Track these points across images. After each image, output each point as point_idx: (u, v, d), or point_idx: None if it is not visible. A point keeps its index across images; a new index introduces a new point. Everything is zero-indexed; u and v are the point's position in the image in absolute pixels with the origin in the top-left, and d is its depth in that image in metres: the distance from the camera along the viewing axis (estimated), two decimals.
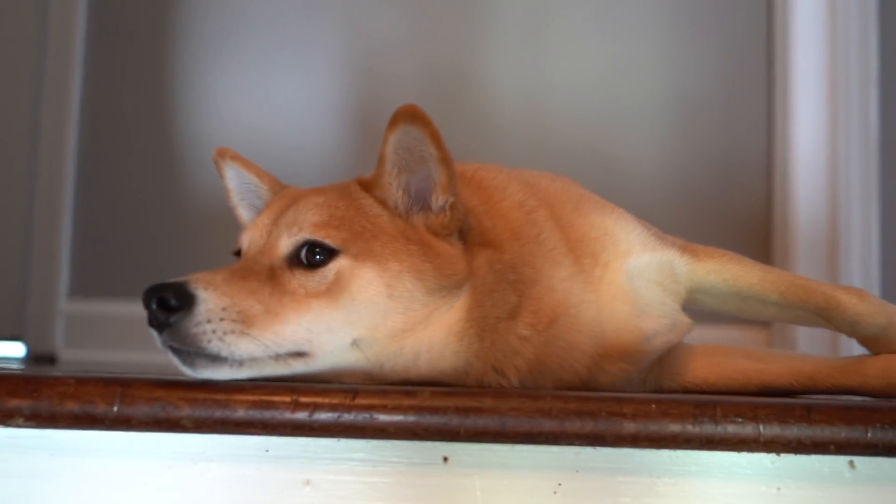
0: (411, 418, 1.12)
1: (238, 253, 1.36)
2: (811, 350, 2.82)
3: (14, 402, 1.11)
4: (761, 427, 1.12)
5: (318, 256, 1.23)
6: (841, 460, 1.16)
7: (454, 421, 1.12)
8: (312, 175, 3.06)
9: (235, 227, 3.21)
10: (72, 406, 1.12)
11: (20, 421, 1.12)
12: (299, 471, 1.16)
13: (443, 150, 1.25)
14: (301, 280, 1.22)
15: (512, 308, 1.30)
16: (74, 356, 3.18)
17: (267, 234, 1.29)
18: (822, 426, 1.13)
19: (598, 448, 1.15)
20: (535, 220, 1.39)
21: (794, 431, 1.13)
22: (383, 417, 1.12)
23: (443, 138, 1.26)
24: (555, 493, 1.15)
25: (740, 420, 1.12)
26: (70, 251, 3.26)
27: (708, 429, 1.12)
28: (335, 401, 1.12)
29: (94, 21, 3.35)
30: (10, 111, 3.25)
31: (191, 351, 1.14)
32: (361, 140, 3.27)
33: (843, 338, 2.73)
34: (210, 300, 1.14)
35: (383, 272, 1.23)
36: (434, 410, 1.12)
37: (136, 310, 3.21)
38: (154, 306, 1.14)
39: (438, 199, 1.28)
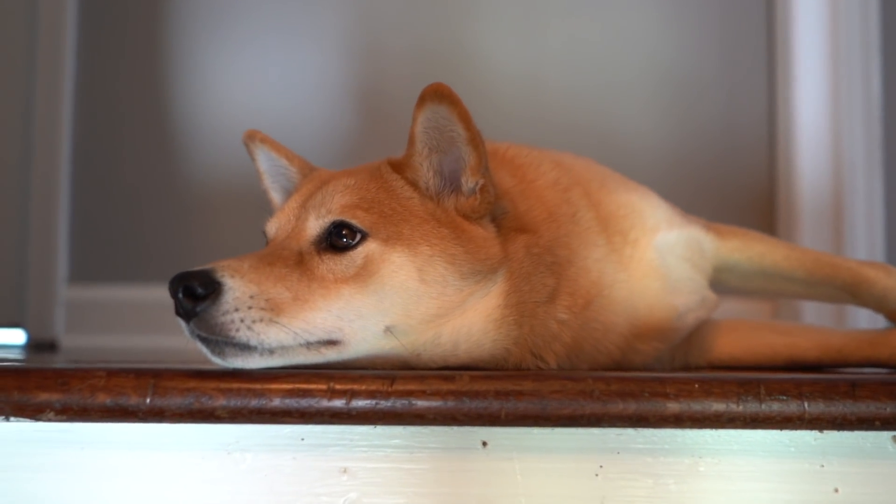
0: (451, 403, 1.10)
1: (266, 235, 1.32)
2: (816, 321, 2.81)
3: (44, 396, 1.09)
4: (806, 404, 1.11)
5: (345, 240, 1.20)
6: (884, 436, 1.14)
7: (494, 405, 1.10)
8: (311, 155, 3.01)
9: (235, 208, 3.18)
10: (103, 399, 1.09)
11: (50, 415, 1.09)
12: (336, 459, 1.14)
13: (472, 129, 1.22)
14: (329, 265, 1.19)
15: (550, 292, 1.28)
16: (75, 342, 3.14)
17: (295, 217, 1.26)
18: (868, 402, 1.11)
19: (640, 429, 1.13)
20: (571, 199, 1.37)
21: (838, 408, 1.11)
22: (422, 403, 1.10)
23: (472, 117, 1.23)
24: (596, 475, 1.14)
25: (784, 398, 1.11)
26: (68, 237, 3.22)
27: (752, 407, 1.11)
28: (373, 387, 1.10)
29: (87, 0, 3.29)
30: (2, 95, 3.20)
31: (219, 340, 1.11)
32: (361, 118, 3.23)
33: (850, 308, 2.74)
34: (237, 288, 1.11)
35: (414, 256, 1.20)
36: (474, 395, 1.10)
37: (137, 294, 3.20)
38: (180, 295, 1.11)
39: (468, 181, 1.25)
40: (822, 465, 1.14)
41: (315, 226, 1.22)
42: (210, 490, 1.13)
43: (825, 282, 1.51)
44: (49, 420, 1.10)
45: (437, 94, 1.20)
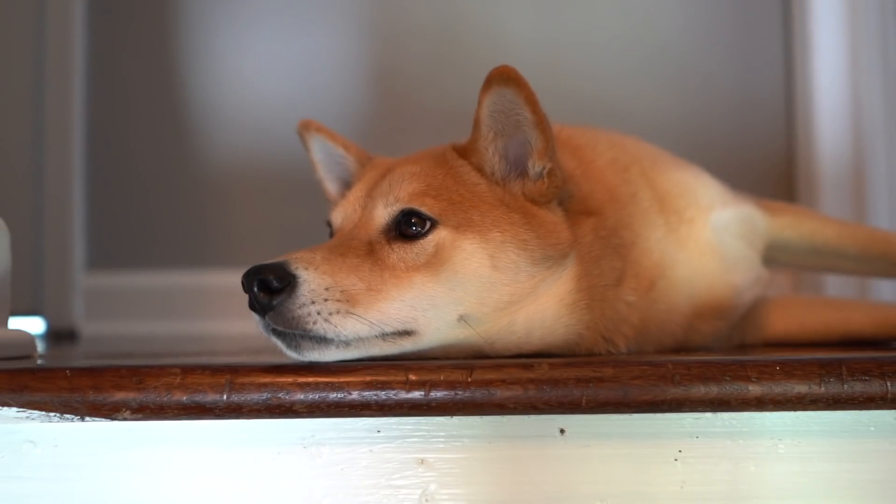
0: (531, 392, 1.09)
1: (330, 226, 1.30)
2: (838, 293, 2.81)
3: (120, 395, 1.07)
4: (889, 384, 1.10)
5: (415, 228, 1.18)
6: None
7: (575, 392, 1.09)
8: None
9: (251, 191, 3.16)
10: (180, 396, 1.08)
11: (126, 414, 1.08)
12: (413, 450, 1.12)
13: (539, 113, 1.20)
14: (400, 253, 1.17)
15: (618, 274, 1.27)
16: (95, 330, 3.12)
17: (361, 207, 1.24)
18: None
19: (718, 413, 1.12)
20: (630, 179, 1.36)
21: None
22: (502, 392, 1.09)
23: (539, 100, 1.21)
24: (675, 460, 1.13)
25: (867, 378, 1.10)
26: (84, 223, 3.19)
27: (834, 388, 1.10)
28: (452, 378, 1.09)
29: None
30: (13, 82, 3.15)
31: (296, 333, 1.10)
32: (376, 98, 3.20)
33: (874, 281, 2.73)
34: (312, 280, 1.10)
35: (485, 243, 1.18)
36: (554, 383, 1.09)
37: (156, 280, 3.17)
38: (256, 289, 1.09)
39: (535, 165, 1.24)
40: None
41: (383, 214, 1.21)
42: (287, 485, 1.12)
43: (879, 257, 1.50)
44: (124, 419, 1.08)
45: (504, 77, 1.18)
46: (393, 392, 1.09)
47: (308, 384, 1.08)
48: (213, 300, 3.14)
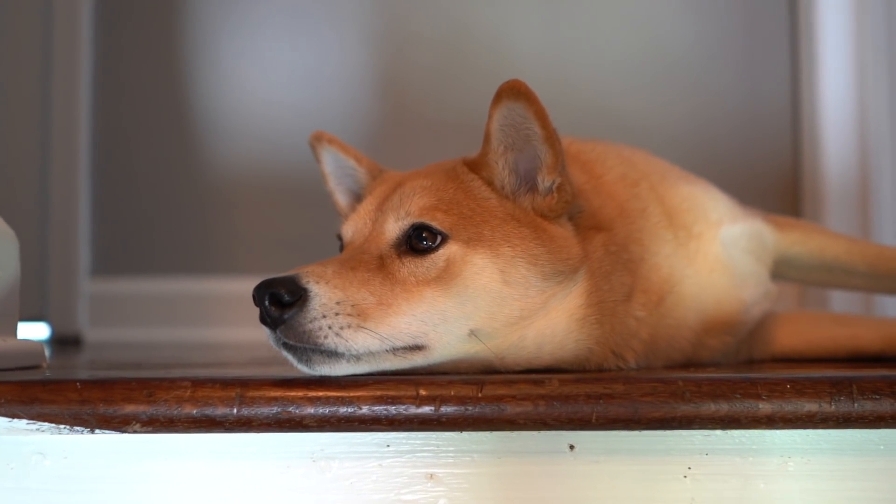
0: (541, 408, 1.09)
1: (341, 238, 1.31)
2: (843, 309, 2.81)
3: (130, 408, 1.07)
4: None
5: (426, 242, 1.19)
6: None
7: (585, 409, 1.09)
8: None
9: (255, 198, 3.16)
10: (190, 409, 1.08)
11: (136, 426, 1.08)
12: (422, 465, 1.12)
13: (548, 128, 1.20)
14: (410, 267, 1.17)
15: (628, 289, 1.27)
16: (100, 336, 3.12)
17: (371, 221, 1.25)
18: None
19: (728, 430, 1.12)
20: (639, 194, 1.36)
21: None
22: (512, 408, 1.09)
23: (549, 115, 1.21)
24: (685, 476, 1.13)
25: (877, 396, 1.10)
26: (90, 230, 3.19)
27: (844, 406, 1.10)
28: (462, 393, 1.09)
29: None
30: (20, 88, 3.16)
31: (307, 347, 1.10)
32: (382, 106, 3.20)
33: (879, 297, 2.72)
34: (323, 294, 1.10)
35: (496, 258, 1.18)
36: (564, 399, 1.09)
37: (160, 286, 3.18)
38: (267, 303, 1.09)
39: (545, 180, 1.24)
40: None
41: (394, 228, 1.21)
42: (296, 499, 1.12)
43: (888, 275, 1.50)
44: (135, 432, 1.08)
45: (514, 92, 1.18)
46: (403, 407, 1.09)
47: (318, 398, 1.08)
48: (218, 307, 3.15)
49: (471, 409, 1.09)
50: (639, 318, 1.28)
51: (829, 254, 1.51)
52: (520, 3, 3.18)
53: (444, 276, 1.17)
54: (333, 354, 1.10)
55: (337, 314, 1.10)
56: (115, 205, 3.22)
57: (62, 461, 1.11)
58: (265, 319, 1.10)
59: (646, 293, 1.29)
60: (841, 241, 1.53)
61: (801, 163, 3.10)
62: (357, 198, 1.42)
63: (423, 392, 1.09)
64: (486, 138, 1.24)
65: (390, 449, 1.12)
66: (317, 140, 1.42)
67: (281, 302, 1.09)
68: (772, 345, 1.56)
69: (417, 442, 1.13)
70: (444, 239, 1.19)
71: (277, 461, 1.12)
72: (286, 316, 1.09)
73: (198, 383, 1.08)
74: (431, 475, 1.12)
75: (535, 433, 1.12)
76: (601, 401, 1.09)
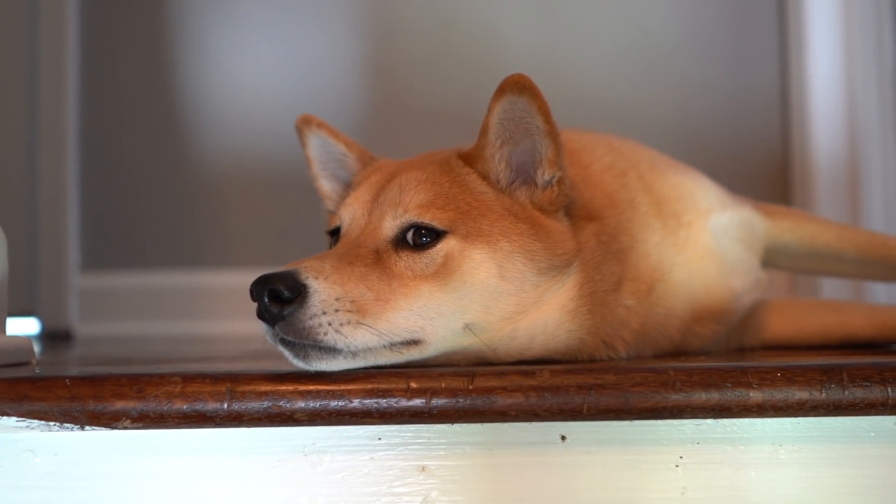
0: (532, 399, 1.09)
1: (333, 232, 1.30)
2: (833, 296, 2.81)
3: (120, 405, 1.07)
4: (889, 390, 1.10)
5: (424, 238, 1.18)
6: None
7: (576, 399, 1.09)
8: None
9: (244, 191, 3.15)
10: (180, 405, 1.07)
11: (126, 423, 1.07)
12: (414, 458, 1.12)
13: (551, 123, 1.20)
14: (408, 262, 1.17)
15: (617, 279, 1.27)
16: (90, 330, 3.11)
17: (367, 212, 1.24)
18: None
19: (719, 419, 1.12)
20: (627, 184, 1.35)
21: None
22: (503, 400, 1.09)
23: (551, 110, 1.20)
24: (677, 466, 1.13)
25: (867, 384, 1.10)
26: (79, 224, 3.18)
27: (835, 394, 1.10)
28: (453, 386, 1.09)
29: None
30: (6, 83, 3.14)
31: (305, 343, 1.09)
32: (372, 95, 3.19)
33: (869, 284, 2.73)
34: (323, 290, 1.09)
35: (494, 253, 1.18)
36: (555, 390, 1.09)
37: (150, 280, 3.17)
38: (266, 300, 1.08)
39: (545, 174, 1.23)
40: None
41: (392, 226, 1.20)
42: (288, 493, 1.12)
43: (877, 261, 1.50)
44: (125, 428, 1.08)
45: (519, 86, 1.17)
46: (394, 400, 1.08)
47: (309, 392, 1.08)
48: (207, 300, 3.14)
49: (462, 402, 1.09)
50: (629, 308, 1.28)
51: (820, 241, 1.52)
52: None
53: (442, 271, 1.16)
54: (332, 350, 1.09)
55: (336, 310, 1.09)
56: (105, 199, 3.20)
57: (52, 458, 1.10)
58: (263, 316, 1.10)
59: (635, 282, 1.29)
60: (831, 228, 1.53)
61: (790, 150, 3.10)
62: (343, 184, 1.41)
63: (413, 385, 1.09)
64: (484, 131, 1.23)
65: (382, 442, 1.12)
66: (305, 123, 1.41)
67: (280, 298, 1.08)
68: (762, 332, 1.56)
69: (409, 435, 1.12)
70: (442, 234, 1.18)
71: (269, 455, 1.12)
72: (286, 312, 1.08)
73: (188, 378, 1.08)
74: (423, 468, 1.12)
75: (526, 424, 1.12)
76: (592, 391, 1.09)
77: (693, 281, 1.38)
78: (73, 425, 1.07)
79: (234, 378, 1.08)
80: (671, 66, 3.16)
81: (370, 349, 1.11)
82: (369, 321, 1.10)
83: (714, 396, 1.09)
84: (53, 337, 3.03)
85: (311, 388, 1.08)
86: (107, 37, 3.22)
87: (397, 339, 1.13)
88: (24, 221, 3.11)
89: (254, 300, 1.09)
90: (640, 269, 1.30)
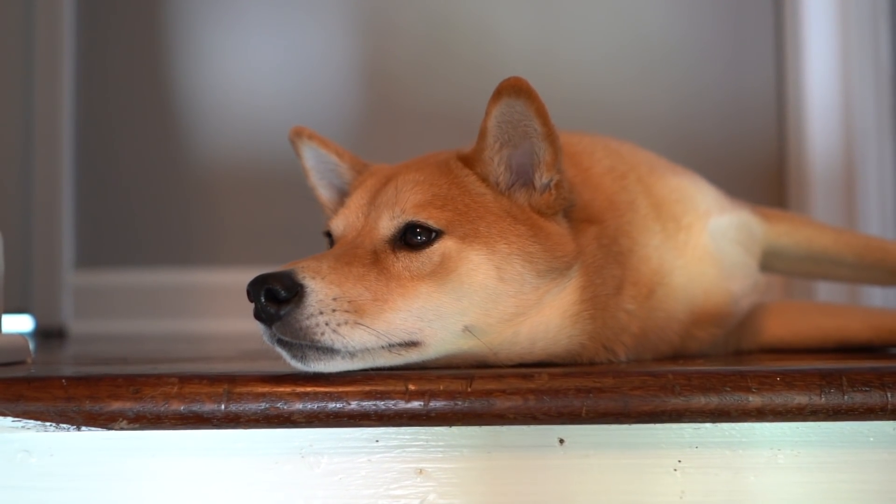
0: (531, 402, 1.08)
1: (328, 234, 1.29)
2: (828, 299, 2.82)
3: (116, 405, 1.06)
4: (889, 395, 1.10)
5: (420, 237, 1.17)
6: None
7: (575, 403, 1.09)
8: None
9: (238, 189, 3.14)
10: (177, 406, 1.07)
11: (123, 423, 1.07)
12: (412, 460, 1.12)
13: (549, 125, 1.19)
14: (405, 262, 1.16)
15: (618, 282, 1.26)
16: (84, 328, 3.10)
17: (364, 215, 1.23)
18: None
19: (718, 423, 1.12)
20: (627, 186, 1.35)
21: None
22: (502, 403, 1.08)
23: (549, 113, 1.20)
24: (675, 470, 1.13)
25: (867, 388, 1.10)
26: (73, 222, 3.17)
27: (834, 399, 1.10)
28: (451, 388, 1.08)
29: None
30: (1, 80, 3.12)
31: (302, 344, 1.09)
32: (367, 97, 3.19)
33: (865, 287, 2.73)
34: (320, 290, 1.09)
35: (492, 254, 1.17)
36: (554, 393, 1.09)
37: (144, 278, 3.16)
38: (263, 299, 1.08)
39: (543, 177, 1.23)
40: None
41: (389, 225, 1.19)
42: (285, 495, 1.11)
43: (875, 266, 1.50)
44: (121, 429, 1.07)
45: (515, 89, 1.17)
46: (392, 402, 1.08)
47: (307, 394, 1.08)
48: (202, 298, 3.13)
49: (460, 404, 1.08)
50: (629, 312, 1.28)
51: (817, 245, 1.52)
52: None
53: (440, 272, 1.16)
54: (329, 351, 1.09)
55: (334, 310, 1.08)
56: (99, 196, 3.19)
57: (48, 459, 1.09)
58: (260, 315, 1.09)
59: (636, 286, 1.29)
60: (828, 232, 1.53)
61: (786, 153, 3.10)
62: (340, 192, 1.41)
63: (412, 387, 1.08)
64: (482, 134, 1.23)
65: (379, 444, 1.12)
66: (297, 136, 1.41)
67: (277, 298, 1.08)
68: (760, 336, 1.56)
69: (406, 437, 1.12)
70: (439, 234, 1.18)
71: (266, 457, 1.11)
72: (282, 312, 1.08)
73: (185, 379, 1.08)
74: (421, 470, 1.12)
75: (524, 427, 1.12)
76: (591, 395, 1.09)
77: (692, 284, 1.37)
78: (69, 426, 1.07)
79: (232, 379, 1.08)
80: (668, 68, 3.16)
81: (368, 350, 1.11)
82: (367, 321, 1.10)
83: (713, 400, 1.09)
84: (47, 334, 3.02)
85: (308, 389, 1.08)
86: (102, 35, 3.21)
87: (395, 339, 1.12)
88: (19, 218, 3.10)
89: (251, 300, 1.09)
90: (640, 273, 1.30)
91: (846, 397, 1.10)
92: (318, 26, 3.20)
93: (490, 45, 3.16)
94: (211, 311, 3.11)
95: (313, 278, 1.09)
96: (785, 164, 3.11)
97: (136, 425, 1.07)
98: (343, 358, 1.09)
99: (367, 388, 1.08)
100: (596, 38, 3.16)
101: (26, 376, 1.08)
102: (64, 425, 1.07)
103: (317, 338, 1.07)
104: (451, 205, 1.19)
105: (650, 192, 1.40)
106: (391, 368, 1.14)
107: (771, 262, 1.54)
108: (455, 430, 1.12)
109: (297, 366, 1.10)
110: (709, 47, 3.15)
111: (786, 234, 1.51)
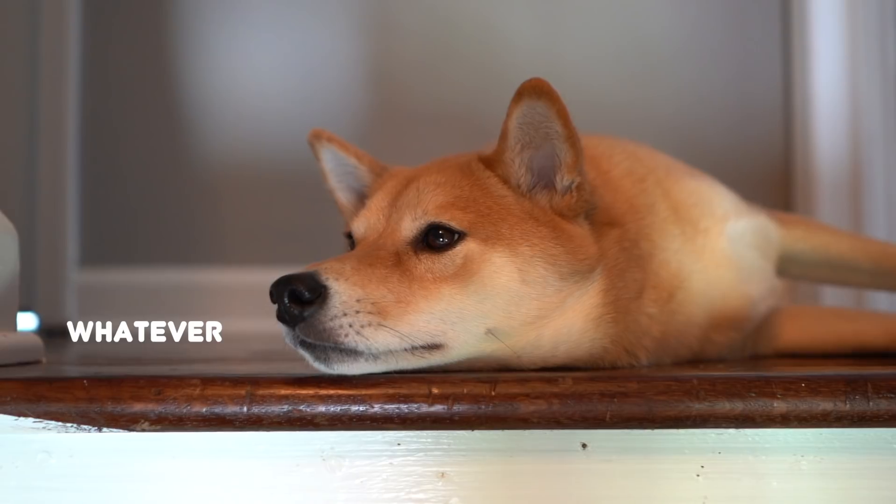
0: (555, 407, 1.08)
1: (349, 236, 1.29)
2: (834, 303, 2.81)
3: (139, 407, 1.05)
4: None
5: (442, 239, 1.17)
6: None
7: (599, 407, 1.08)
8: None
9: (244, 188, 3.13)
10: (200, 407, 1.06)
11: (145, 425, 1.06)
12: (433, 464, 1.11)
13: (570, 127, 1.19)
14: (427, 264, 1.16)
15: (639, 286, 1.26)
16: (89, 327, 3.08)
17: (385, 217, 1.23)
18: None
19: (741, 429, 1.12)
20: (647, 189, 1.35)
21: None
22: (525, 407, 1.08)
23: (570, 114, 1.20)
24: (698, 475, 1.12)
25: (892, 395, 1.09)
26: (78, 220, 3.16)
27: (859, 405, 1.09)
28: (475, 392, 1.08)
29: None
30: (6, 76, 3.11)
31: (326, 346, 1.08)
32: (373, 96, 3.18)
33: (869, 293, 2.72)
34: (344, 292, 1.08)
35: (515, 256, 1.17)
36: (578, 397, 1.08)
37: (148, 277, 3.15)
38: (286, 301, 1.07)
39: (564, 179, 1.22)
40: None
41: (411, 227, 1.19)
42: (306, 498, 1.10)
43: (891, 272, 1.50)
44: (143, 430, 1.06)
45: (537, 91, 1.16)
46: (415, 405, 1.07)
47: (330, 397, 1.07)
48: (207, 297, 3.12)
49: (484, 408, 1.08)
50: (650, 315, 1.27)
51: (834, 250, 1.51)
52: None
53: (462, 273, 1.15)
54: (352, 353, 1.08)
55: (357, 312, 1.08)
56: (104, 195, 3.18)
57: (68, 460, 1.09)
58: (283, 317, 1.08)
59: (656, 289, 1.29)
60: (844, 238, 1.53)
61: (792, 157, 3.10)
62: (358, 195, 1.40)
63: (435, 391, 1.08)
64: (503, 136, 1.22)
65: (401, 447, 1.11)
66: (316, 138, 1.40)
67: (301, 299, 1.07)
68: (776, 340, 1.55)
69: (429, 440, 1.11)
70: (462, 236, 1.17)
71: (287, 460, 1.11)
72: (306, 313, 1.07)
73: (207, 381, 1.07)
74: (443, 474, 1.11)
75: (547, 432, 1.11)
76: (615, 399, 1.08)
77: (711, 288, 1.37)
78: (90, 427, 1.06)
79: (254, 381, 1.07)
80: (674, 71, 3.15)
81: (391, 352, 1.10)
82: (390, 323, 1.09)
83: (738, 406, 1.08)
84: (51, 333, 3.00)
85: (331, 392, 1.07)
86: (107, 34, 3.20)
87: (418, 342, 1.11)
88: (24, 217, 3.08)
89: (273, 301, 1.08)
90: (660, 277, 1.30)
91: (871, 404, 1.09)
92: (324, 26, 3.19)
93: (495, 46, 3.15)
94: (216, 310, 3.09)
95: (337, 280, 1.08)
96: (791, 168, 3.10)
97: (158, 427, 1.06)
98: (366, 360, 1.09)
99: (391, 392, 1.07)
100: (602, 41, 3.16)
101: (47, 377, 1.08)
102: (85, 426, 1.06)
103: (340, 339, 1.07)
104: (473, 206, 1.19)
105: (669, 196, 1.40)
106: (413, 372, 1.13)
107: (787, 266, 1.54)
108: (477, 433, 1.11)
109: (320, 368, 1.10)
110: (716, 50, 3.15)
111: (802, 238, 1.51)
